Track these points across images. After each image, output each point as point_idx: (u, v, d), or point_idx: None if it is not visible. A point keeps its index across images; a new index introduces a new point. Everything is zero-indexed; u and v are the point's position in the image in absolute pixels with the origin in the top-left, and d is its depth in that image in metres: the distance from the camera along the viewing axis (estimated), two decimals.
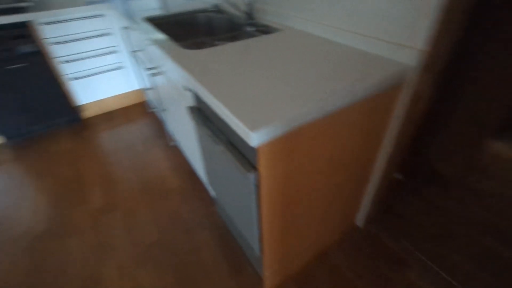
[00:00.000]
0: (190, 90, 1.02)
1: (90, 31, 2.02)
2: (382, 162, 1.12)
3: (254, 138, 0.61)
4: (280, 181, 0.78)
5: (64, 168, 1.87)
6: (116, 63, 2.23)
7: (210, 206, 1.55)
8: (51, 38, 1.91)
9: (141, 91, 2.55)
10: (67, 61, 2.03)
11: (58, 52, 1.97)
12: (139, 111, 2.45)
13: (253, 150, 0.69)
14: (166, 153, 1.95)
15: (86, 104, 2.31)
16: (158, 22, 1.64)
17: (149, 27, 1.41)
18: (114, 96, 2.41)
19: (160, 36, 1.27)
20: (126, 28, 1.90)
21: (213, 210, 1.52)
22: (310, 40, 1.11)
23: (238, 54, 1.02)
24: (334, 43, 1.07)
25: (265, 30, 1.37)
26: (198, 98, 0.98)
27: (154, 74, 1.60)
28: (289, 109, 0.67)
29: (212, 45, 1.16)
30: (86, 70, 2.13)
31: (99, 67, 2.17)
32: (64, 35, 1.95)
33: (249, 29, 1.42)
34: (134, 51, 1.95)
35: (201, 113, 0.99)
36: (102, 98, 2.34)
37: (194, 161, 1.59)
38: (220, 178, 1.08)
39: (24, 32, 1.81)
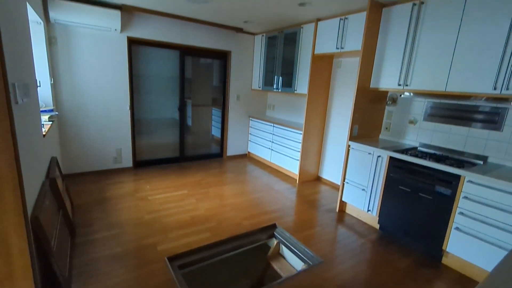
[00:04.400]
0: None
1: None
2: None
3: None
4: None
5: None
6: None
7: None
8: (470, 194, 2.14)
9: None
10: (462, 213, 2.16)
11: (463, 204, 2.17)
12: None
13: None
14: None
15: (452, 254, 2.29)
16: None
17: None
18: (466, 262, 2.09)
19: None
20: None
21: None
22: None
23: None
24: None
25: None
26: None
27: None
28: None
29: None
30: (479, 232, 2.10)
31: (496, 239, 2.02)
32: (486, 199, 2.08)
33: None
34: None
35: None
36: (469, 261, 2.16)
37: None
38: None
39: (452, 180, 2.24)
